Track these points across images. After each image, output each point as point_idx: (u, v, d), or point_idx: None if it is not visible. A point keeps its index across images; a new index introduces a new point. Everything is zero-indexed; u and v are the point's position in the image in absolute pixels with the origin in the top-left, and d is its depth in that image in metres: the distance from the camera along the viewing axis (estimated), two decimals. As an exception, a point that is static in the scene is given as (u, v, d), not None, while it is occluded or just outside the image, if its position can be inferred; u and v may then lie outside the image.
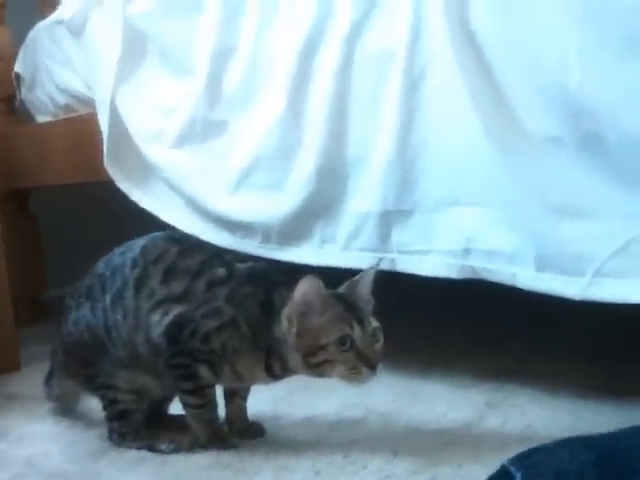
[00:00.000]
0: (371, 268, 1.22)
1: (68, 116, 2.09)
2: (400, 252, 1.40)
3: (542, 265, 1.21)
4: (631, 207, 1.12)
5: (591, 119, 1.13)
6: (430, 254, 1.36)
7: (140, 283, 1.25)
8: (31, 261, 2.28)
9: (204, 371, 1.22)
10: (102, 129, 1.82)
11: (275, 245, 1.57)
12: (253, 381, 1.26)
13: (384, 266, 1.40)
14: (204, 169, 1.67)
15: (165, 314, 1.23)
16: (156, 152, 1.75)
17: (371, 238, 1.43)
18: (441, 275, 1.35)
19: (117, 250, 1.32)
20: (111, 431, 1.31)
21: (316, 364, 1.16)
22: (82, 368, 1.32)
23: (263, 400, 1.40)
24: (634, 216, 1.11)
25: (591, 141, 1.14)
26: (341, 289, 1.21)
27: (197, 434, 1.26)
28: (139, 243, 1.30)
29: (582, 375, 1.43)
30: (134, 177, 1.80)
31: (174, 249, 1.27)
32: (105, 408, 1.31)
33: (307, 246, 1.53)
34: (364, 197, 1.43)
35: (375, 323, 1.17)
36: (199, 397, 1.25)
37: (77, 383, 1.36)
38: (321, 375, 1.18)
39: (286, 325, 1.17)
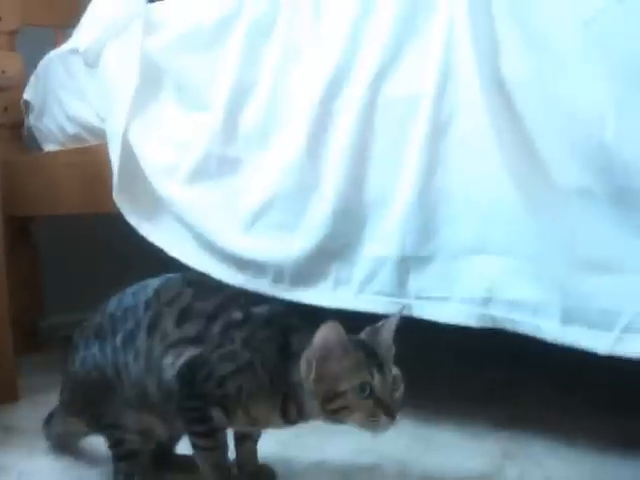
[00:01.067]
0: (394, 316, 1.21)
1: (76, 146, 2.07)
2: (417, 298, 1.38)
3: (568, 318, 1.19)
4: (661, 263, 1.11)
5: (624, 174, 1.13)
6: (449, 301, 1.35)
7: (153, 325, 1.23)
8: (30, 288, 2.25)
9: (217, 414, 1.20)
10: (112, 161, 1.81)
11: (287, 285, 1.54)
12: (267, 426, 1.24)
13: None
14: (217, 206, 1.65)
15: (179, 355, 1.21)
16: (168, 187, 1.73)
17: (387, 282, 1.42)
18: (460, 323, 1.33)
19: (129, 290, 1.30)
20: (117, 472, 1.28)
21: (333, 410, 1.13)
22: (88, 407, 1.29)
23: (272, 443, 1.37)
24: (663, 272, 1.11)
25: (623, 195, 1.13)
26: (362, 335, 1.19)
27: (206, 476, 1.23)
28: (153, 284, 1.27)
29: (597, 426, 1.41)
30: (143, 211, 1.78)
31: (189, 291, 1.25)
32: (111, 448, 1.28)
33: (320, 288, 1.51)
34: (382, 241, 1.42)
35: (395, 371, 1.15)
36: (211, 440, 1.22)
37: (83, 422, 1.33)
38: (338, 422, 1.15)
39: (304, 370, 1.14)
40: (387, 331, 1.19)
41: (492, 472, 1.27)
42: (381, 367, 1.13)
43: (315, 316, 1.35)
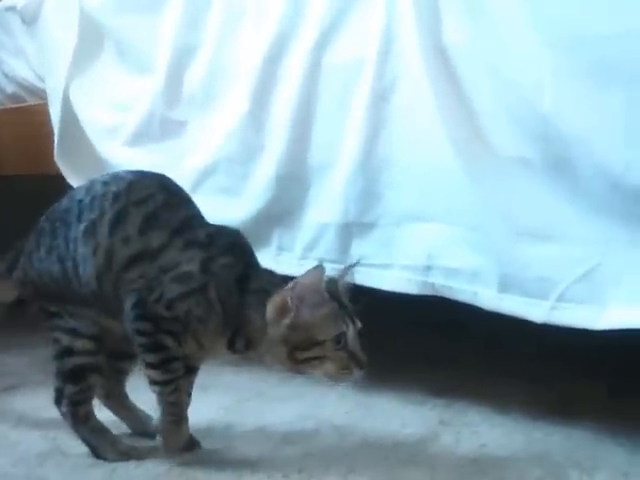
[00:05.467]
0: (349, 267, 1.21)
1: (15, 105, 2.02)
2: (360, 265, 1.38)
3: (505, 286, 1.21)
4: (596, 233, 1.12)
5: (561, 143, 1.13)
6: (390, 268, 1.35)
7: (117, 222, 1.17)
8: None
9: (169, 341, 1.16)
10: (53, 121, 1.78)
11: (231, 250, 1.54)
12: (214, 354, 1.21)
13: (342, 278, 1.40)
14: (160, 169, 1.61)
15: (140, 276, 1.16)
16: (110, 148, 1.71)
17: (330, 249, 1.42)
18: (401, 290, 1.34)
19: (100, 178, 1.24)
20: (60, 394, 1.21)
21: (304, 359, 1.12)
22: (44, 298, 1.23)
23: (213, 408, 1.39)
24: (599, 242, 1.12)
25: (560, 165, 1.14)
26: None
27: (163, 422, 1.20)
28: (127, 177, 1.22)
29: (530, 395, 1.43)
30: (85, 172, 1.74)
31: (160, 197, 1.20)
32: (56, 358, 1.21)
33: (264, 253, 1.49)
34: (325, 207, 1.42)
35: (359, 323, 1.15)
36: (165, 372, 1.18)
37: (35, 307, 1.26)
38: (301, 371, 1.14)
39: (273, 314, 1.13)
40: (345, 283, 1.18)
41: (428, 438, 1.28)
42: (352, 318, 1.14)
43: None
